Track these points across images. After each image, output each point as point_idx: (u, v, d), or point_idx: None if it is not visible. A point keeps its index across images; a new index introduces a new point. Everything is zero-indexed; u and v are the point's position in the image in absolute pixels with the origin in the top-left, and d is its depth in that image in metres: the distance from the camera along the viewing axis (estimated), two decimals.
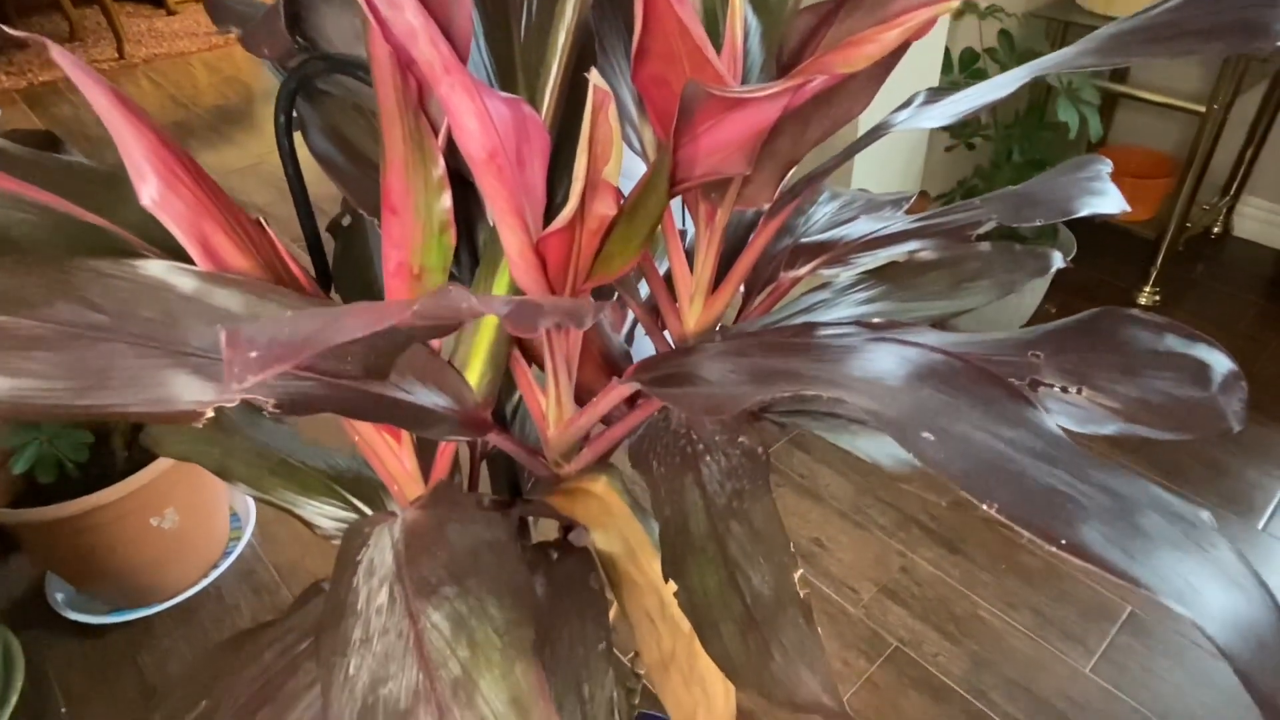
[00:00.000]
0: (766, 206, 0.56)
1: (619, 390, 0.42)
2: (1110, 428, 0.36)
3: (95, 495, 1.06)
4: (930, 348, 0.32)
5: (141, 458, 1.15)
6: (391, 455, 0.49)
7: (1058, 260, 0.54)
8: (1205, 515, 0.22)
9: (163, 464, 1.12)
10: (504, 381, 0.60)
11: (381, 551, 0.34)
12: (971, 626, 1.28)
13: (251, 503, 1.42)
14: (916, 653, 1.25)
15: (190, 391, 0.34)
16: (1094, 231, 1.99)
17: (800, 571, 0.33)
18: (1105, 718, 1.16)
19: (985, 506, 0.20)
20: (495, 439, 0.46)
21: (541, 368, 0.51)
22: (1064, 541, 0.19)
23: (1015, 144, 1.66)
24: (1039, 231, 1.70)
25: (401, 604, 0.28)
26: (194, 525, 1.23)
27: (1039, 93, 1.82)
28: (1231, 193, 2.11)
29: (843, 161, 0.47)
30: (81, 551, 1.13)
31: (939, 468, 0.20)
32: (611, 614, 0.64)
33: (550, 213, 0.42)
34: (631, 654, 0.77)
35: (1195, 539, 0.20)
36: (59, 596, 1.27)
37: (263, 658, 0.36)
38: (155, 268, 0.34)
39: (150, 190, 0.33)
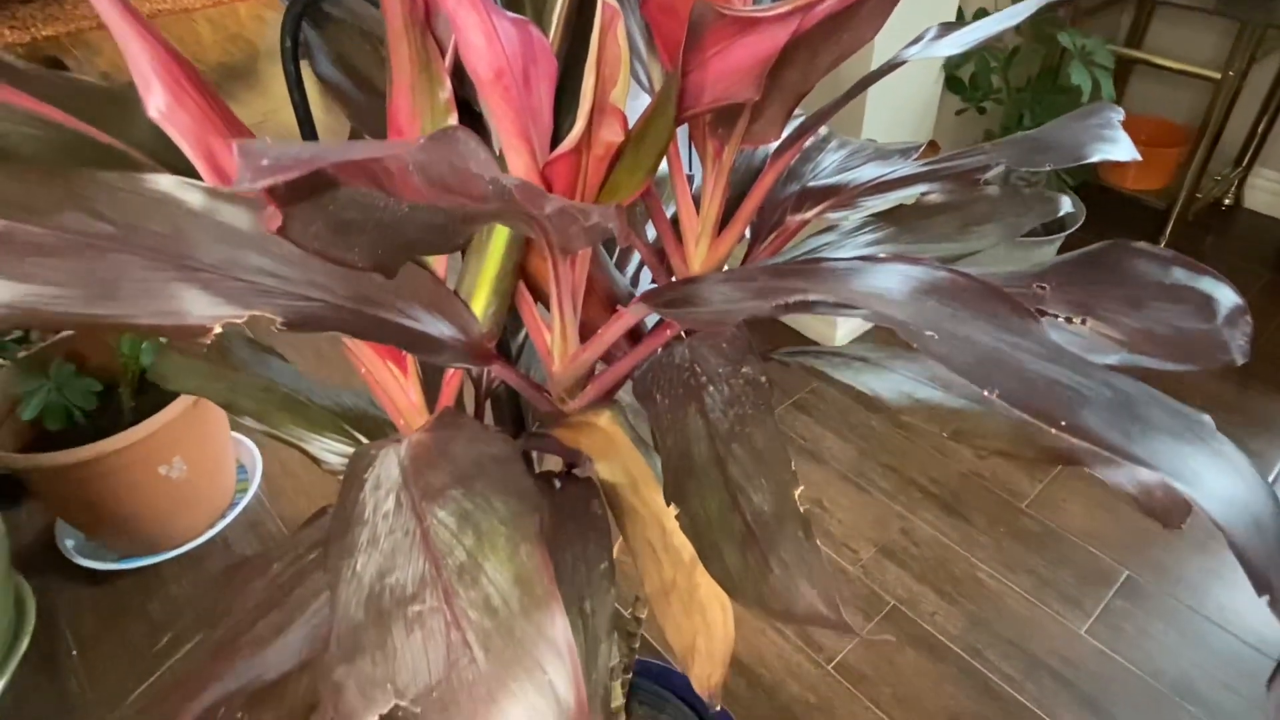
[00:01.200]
0: (774, 146, 0.56)
1: (625, 319, 0.42)
2: (1113, 357, 0.36)
3: (103, 442, 1.07)
4: (935, 266, 0.32)
5: (148, 408, 1.16)
6: (397, 388, 0.49)
7: (1066, 205, 0.53)
8: (1206, 418, 0.22)
9: (169, 413, 1.13)
10: (510, 320, 0.60)
11: (388, 467, 0.35)
12: (969, 588, 1.30)
13: (258, 456, 1.43)
14: (914, 611, 1.26)
15: (199, 306, 0.34)
16: (1103, 200, 1.98)
17: (801, 488, 0.34)
18: (1099, 677, 1.18)
19: (986, 393, 0.20)
20: (499, 370, 0.46)
21: (547, 305, 0.51)
22: (1063, 423, 0.19)
23: (1027, 108, 1.64)
24: None
25: (408, 507, 0.28)
26: (201, 475, 1.24)
27: (1052, 56, 1.79)
28: (1244, 164, 2.08)
29: (854, 96, 0.46)
30: (90, 498, 1.15)
31: (942, 359, 0.21)
32: (616, 549, 0.65)
33: (557, 143, 0.42)
34: (633, 600, 0.78)
35: (1196, 431, 0.20)
36: (69, 543, 1.28)
37: (270, 570, 0.36)
38: (163, 182, 0.34)
39: (157, 101, 0.33)
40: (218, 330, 0.35)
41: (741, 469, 0.36)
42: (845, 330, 1.74)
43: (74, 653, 1.20)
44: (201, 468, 1.24)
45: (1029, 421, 0.31)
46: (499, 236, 0.44)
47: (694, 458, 0.39)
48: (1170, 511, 0.35)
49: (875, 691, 1.16)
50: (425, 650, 0.23)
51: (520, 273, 0.50)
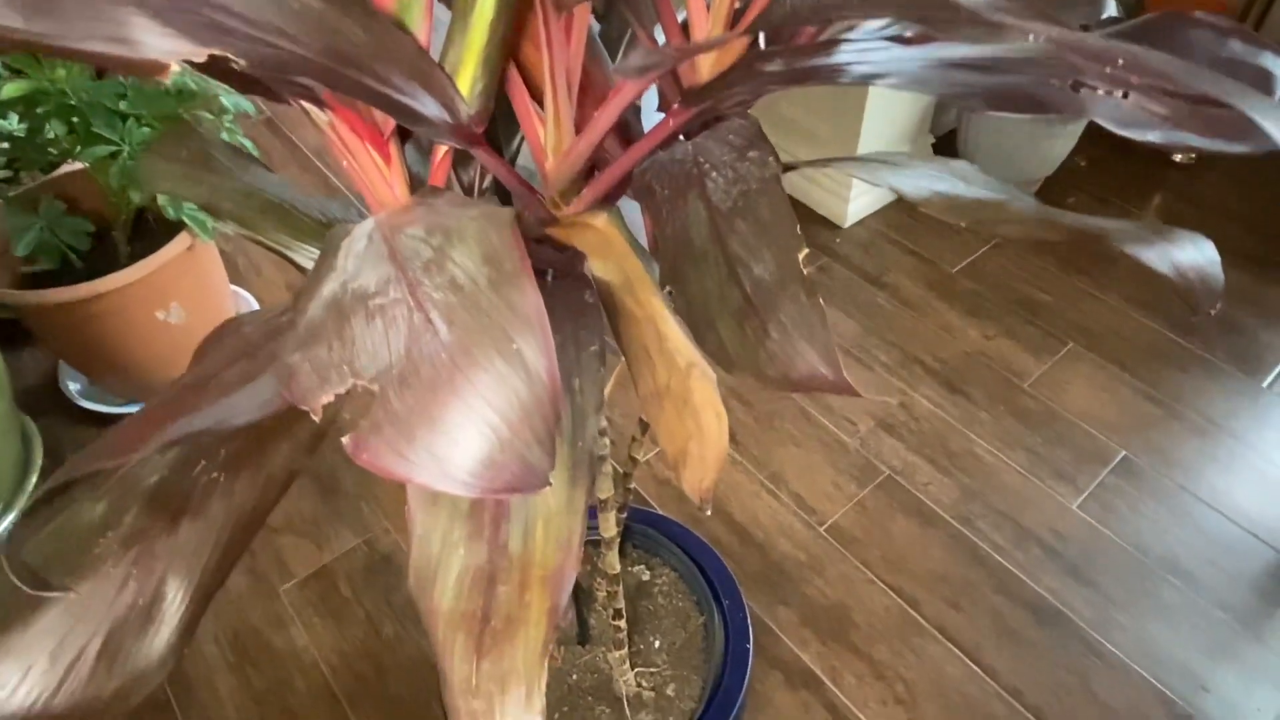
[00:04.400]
0: None
1: (625, 91, 0.39)
2: (1154, 134, 0.33)
3: (96, 281, 1.06)
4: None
5: (143, 253, 1.14)
6: (381, 180, 0.46)
7: (1110, 7, 0.49)
8: None
9: (164, 256, 1.11)
10: (504, 127, 0.57)
11: (364, 226, 0.32)
12: (965, 461, 1.30)
13: (259, 309, 1.42)
14: (908, 481, 1.28)
15: (152, 37, 0.31)
16: None
17: (806, 251, 0.31)
18: (1087, 549, 1.20)
19: (1031, 38, 0.17)
20: (487, 159, 0.43)
21: (540, 101, 0.48)
22: (1121, 62, 0.16)
23: None
24: None
25: (379, 239, 0.26)
26: (200, 323, 1.24)
27: None
28: None
29: None
30: (88, 341, 1.14)
31: (971, 29, 0.18)
32: (608, 388, 0.64)
33: None
34: (629, 441, 0.78)
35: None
36: (73, 387, 1.29)
37: (242, 330, 0.35)
38: None
39: None
40: (175, 69, 0.32)
41: (743, 242, 0.33)
42: (857, 207, 1.69)
43: None
44: (200, 315, 1.23)
45: (1052, 210, 0.28)
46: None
47: (693, 241, 0.36)
48: (1202, 293, 0.33)
49: (865, 553, 1.19)
50: (386, 335, 0.21)
51: (513, 58, 0.46)
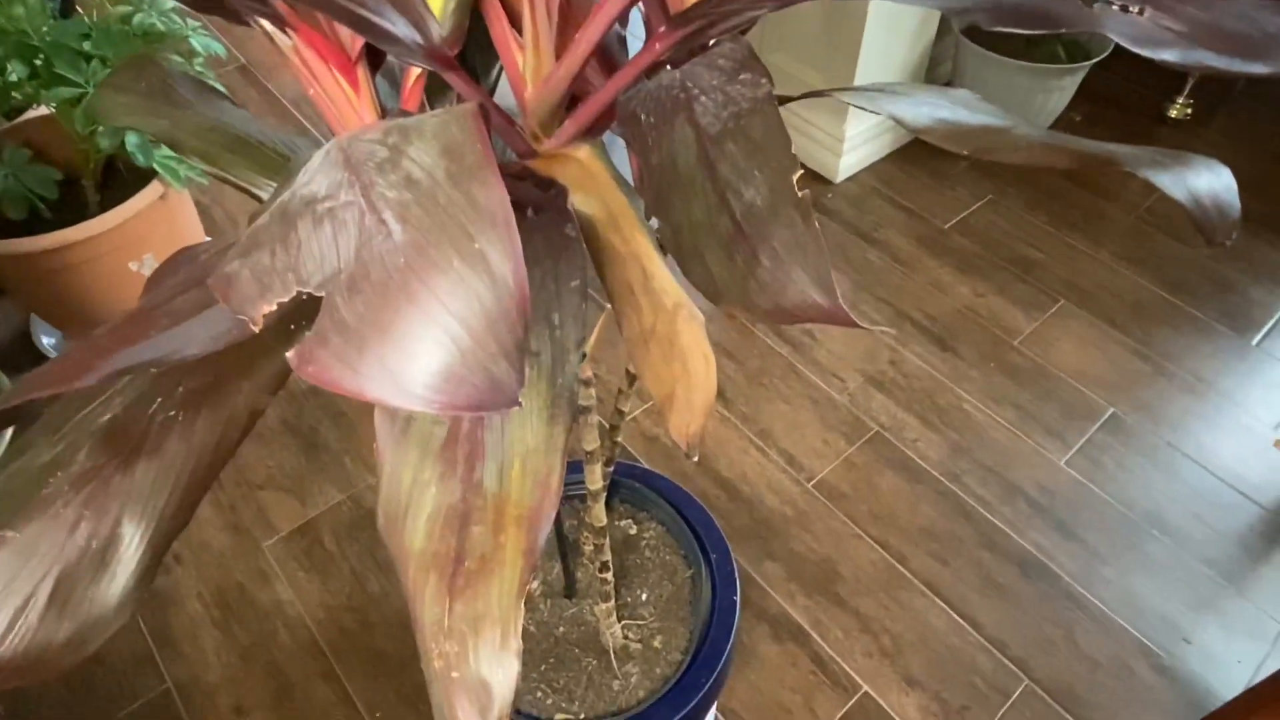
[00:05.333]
0: None
1: (608, 8, 0.36)
2: (1169, 52, 0.31)
3: (67, 230, 1.03)
4: None
5: (114, 203, 1.10)
6: (350, 109, 0.44)
7: None
8: None
9: (135, 205, 1.08)
10: (482, 59, 0.54)
11: (324, 146, 0.30)
12: (953, 418, 1.30)
13: None
14: (896, 438, 1.27)
15: None
16: None
17: (801, 172, 0.29)
18: (1074, 505, 1.20)
19: None
20: (461, 85, 0.41)
21: (519, 28, 0.45)
22: None
23: None
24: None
25: (336, 151, 0.24)
26: None
27: None
28: None
29: None
30: (61, 293, 1.11)
31: None
32: (592, 339, 0.62)
33: None
34: (616, 394, 0.76)
35: None
36: (47, 341, 1.26)
37: (198, 260, 0.33)
38: None
39: None
40: None
41: (733, 166, 0.31)
42: (849, 161, 1.66)
43: None
44: None
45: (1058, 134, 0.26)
46: None
47: (680, 168, 0.34)
48: (1218, 221, 0.31)
49: (853, 508, 1.18)
50: (335, 239, 0.19)
51: None
